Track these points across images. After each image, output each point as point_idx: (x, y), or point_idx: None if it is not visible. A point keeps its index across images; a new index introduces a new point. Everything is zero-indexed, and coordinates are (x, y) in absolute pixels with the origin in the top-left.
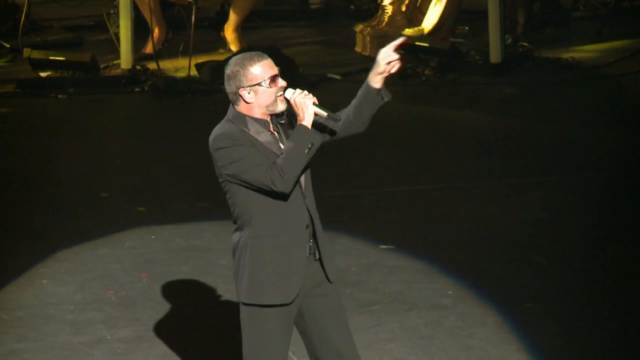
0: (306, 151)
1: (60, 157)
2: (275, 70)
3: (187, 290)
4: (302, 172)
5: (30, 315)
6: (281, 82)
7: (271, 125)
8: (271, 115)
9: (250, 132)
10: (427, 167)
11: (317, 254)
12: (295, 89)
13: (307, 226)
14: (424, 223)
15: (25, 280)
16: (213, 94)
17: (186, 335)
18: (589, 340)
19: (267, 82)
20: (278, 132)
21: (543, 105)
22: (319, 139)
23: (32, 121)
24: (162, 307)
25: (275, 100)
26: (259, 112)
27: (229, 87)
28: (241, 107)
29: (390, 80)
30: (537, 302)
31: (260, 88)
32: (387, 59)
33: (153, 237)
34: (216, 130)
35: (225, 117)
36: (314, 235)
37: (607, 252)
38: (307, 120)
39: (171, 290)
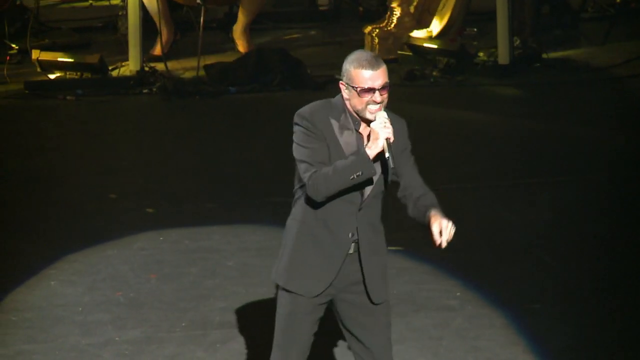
0: (352, 177)
1: (69, 159)
2: (377, 83)
3: (195, 291)
4: (347, 191)
5: (39, 316)
6: (377, 97)
7: (362, 127)
8: (364, 120)
9: (336, 126)
10: (436, 168)
11: (360, 267)
12: (388, 115)
13: (351, 235)
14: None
15: (33, 281)
16: (221, 95)
17: (195, 337)
18: (597, 341)
19: (359, 90)
20: (368, 137)
21: (551, 106)
22: (371, 171)
23: (41, 123)
24: (171, 309)
25: (365, 109)
26: (352, 110)
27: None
28: (344, 97)
29: (399, 81)
30: (545, 303)
31: (353, 91)
32: (438, 231)
33: (161, 238)
34: (306, 106)
35: (327, 99)
36: (358, 250)
37: (615, 253)
38: (372, 148)
39: (180, 291)
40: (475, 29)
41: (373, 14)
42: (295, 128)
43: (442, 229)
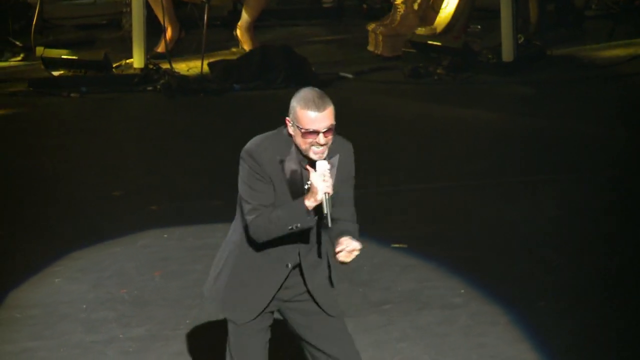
0: (290, 228)
1: (73, 156)
2: (322, 125)
3: (200, 289)
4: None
5: (44, 313)
6: (320, 139)
7: (309, 163)
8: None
9: (282, 163)
10: (440, 165)
11: (303, 280)
12: (328, 162)
13: (288, 265)
14: (435, 222)
15: (38, 278)
16: (225, 93)
17: (199, 334)
18: (602, 339)
19: (304, 131)
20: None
21: (555, 104)
22: (308, 223)
23: (45, 120)
24: (175, 306)
25: (309, 149)
26: (298, 146)
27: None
28: (290, 133)
29: (403, 79)
30: (549, 301)
31: (297, 130)
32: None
33: (166, 235)
34: (253, 142)
35: (279, 129)
36: (303, 278)
37: (620, 250)
38: (311, 201)
39: (184, 289)
40: (479, 27)
41: (377, 11)
42: (242, 164)
43: (345, 244)
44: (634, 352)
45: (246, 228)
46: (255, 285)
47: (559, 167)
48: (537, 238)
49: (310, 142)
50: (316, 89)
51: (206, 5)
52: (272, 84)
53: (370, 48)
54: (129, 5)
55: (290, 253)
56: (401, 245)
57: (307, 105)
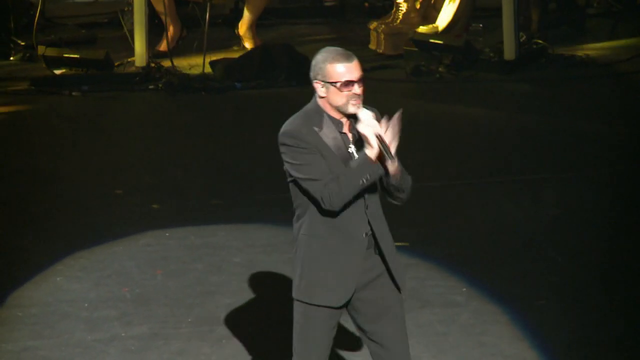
0: (361, 182)
1: (75, 155)
2: (355, 75)
3: (201, 287)
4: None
5: (45, 312)
6: (356, 89)
7: (345, 127)
8: (346, 115)
9: (321, 132)
10: (441, 163)
11: (380, 261)
12: (373, 111)
13: (365, 234)
14: (437, 220)
15: (40, 277)
16: (227, 92)
17: (201, 333)
18: (602, 337)
19: (340, 84)
20: (353, 135)
21: (557, 102)
22: (378, 171)
23: (47, 119)
24: (177, 305)
25: (347, 103)
26: (332, 109)
27: (310, 74)
28: (319, 99)
29: (405, 77)
30: (550, 299)
31: (332, 87)
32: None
33: (167, 234)
34: (287, 124)
35: (305, 107)
36: (376, 245)
37: (622, 248)
38: (371, 150)
39: (185, 287)
40: (481, 25)
41: (379, 9)
42: (284, 149)
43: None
44: (634, 351)
45: (312, 214)
46: (339, 268)
47: (560, 164)
48: (538, 236)
49: (347, 95)
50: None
51: (208, 4)
52: (274, 83)
53: (372, 46)
54: (131, 4)
55: (360, 223)
56: (403, 244)
57: (336, 59)
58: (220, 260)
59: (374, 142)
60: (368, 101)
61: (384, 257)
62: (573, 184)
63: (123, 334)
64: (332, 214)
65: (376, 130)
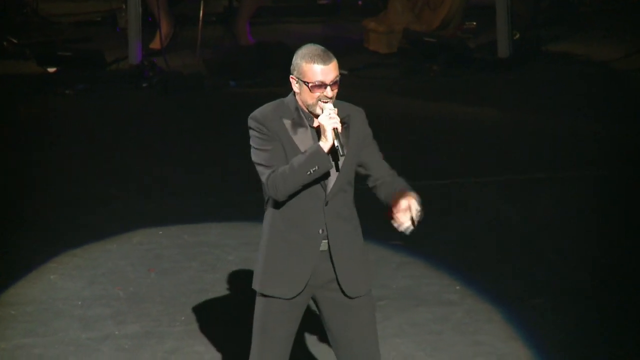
0: (308, 173)
1: (68, 153)
2: (328, 78)
3: (195, 286)
4: (307, 186)
5: (39, 310)
6: (328, 92)
7: (316, 122)
8: (313, 114)
9: (289, 125)
10: (436, 162)
11: (331, 262)
12: (343, 106)
13: (321, 231)
14: (432, 219)
15: (34, 275)
16: (221, 89)
17: (194, 331)
18: (597, 337)
19: (311, 85)
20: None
21: (550, 100)
22: (326, 165)
23: (40, 117)
24: (170, 303)
25: (316, 104)
26: (304, 105)
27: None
28: (295, 92)
29: (397, 75)
30: (545, 298)
31: (304, 86)
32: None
33: (161, 233)
34: (258, 109)
35: (280, 99)
36: (328, 246)
37: (618, 247)
38: (325, 143)
39: (179, 286)
40: (474, 23)
41: (373, 8)
42: (250, 132)
43: (412, 206)
44: (630, 350)
45: (272, 203)
46: (294, 259)
47: (556, 163)
48: (533, 235)
49: (318, 96)
50: (317, 44)
51: (201, 1)
52: (268, 81)
53: (366, 45)
54: (125, 2)
55: (317, 218)
56: (398, 243)
57: (313, 59)
58: (215, 258)
59: (329, 134)
60: (363, 99)
61: (332, 258)
62: (568, 183)
63: (117, 332)
64: (289, 206)
65: (334, 123)
